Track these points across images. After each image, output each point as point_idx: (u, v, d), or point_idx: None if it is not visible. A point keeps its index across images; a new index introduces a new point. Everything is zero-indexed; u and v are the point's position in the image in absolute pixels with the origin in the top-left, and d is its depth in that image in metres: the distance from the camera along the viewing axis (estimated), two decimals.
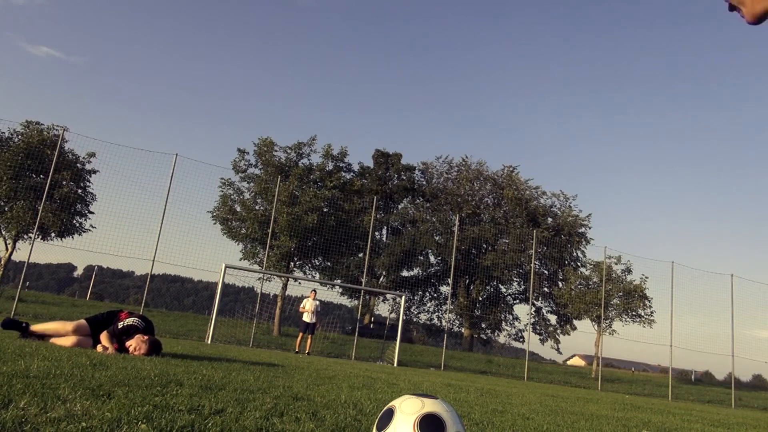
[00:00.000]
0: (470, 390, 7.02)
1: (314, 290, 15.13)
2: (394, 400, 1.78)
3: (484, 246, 30.04)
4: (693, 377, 40.59)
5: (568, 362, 56.85)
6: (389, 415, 1.70)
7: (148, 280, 14.71)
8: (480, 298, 30.98)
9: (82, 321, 5.44)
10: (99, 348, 5.09)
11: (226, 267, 14.67)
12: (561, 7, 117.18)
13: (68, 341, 5.28)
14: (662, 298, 21.59)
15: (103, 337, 5.15)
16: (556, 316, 30.21)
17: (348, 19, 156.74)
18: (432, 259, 31.10)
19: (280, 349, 15.17)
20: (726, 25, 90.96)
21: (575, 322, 28.20)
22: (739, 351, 18.99)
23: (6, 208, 19.04)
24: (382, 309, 35.60)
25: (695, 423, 6.14)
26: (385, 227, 31.17)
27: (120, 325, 5.21)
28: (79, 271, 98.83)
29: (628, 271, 24.70)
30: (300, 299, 16.20)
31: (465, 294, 29.98)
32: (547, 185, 47.82)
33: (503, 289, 31.46)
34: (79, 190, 20.13)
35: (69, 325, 5.38)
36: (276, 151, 26.16)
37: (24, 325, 5.58)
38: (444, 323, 28.03)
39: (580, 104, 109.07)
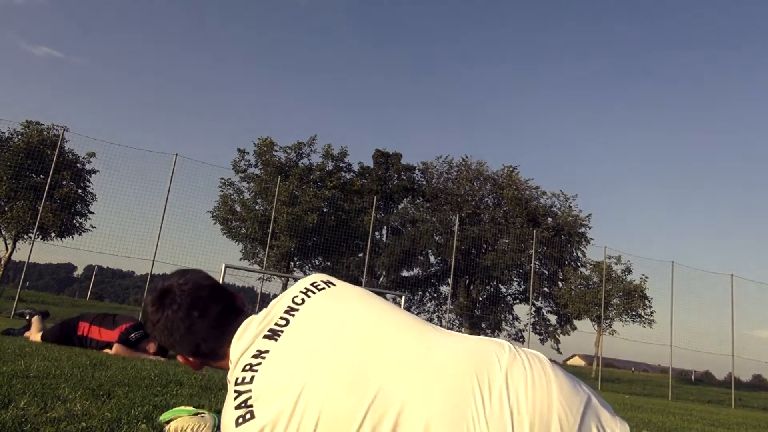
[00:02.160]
0: None
1: None
2: None
3: (484, 246, 30.02)
4: (693, 377, 40.61)
5: (568, 362, 56.88)
6: None
7: (148, 280, 14.67)
8: (480, 298, 30.98)
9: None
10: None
11: (226, 267, 14.65)
12: (561, 5, 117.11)
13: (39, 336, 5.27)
14: (662, 298, 21.56)
15: (122, 350, 4.98)
16: (556, 316, 30.20)
17: (348, 19, 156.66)
18: (432, 259, 31.09)
19: None
20: (728, 21, 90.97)
21: (575, 322, 28.19)
22: (739, 351, 18.97)
23: (6, 208, 19.04)
24: None
25: (695, 423, 6.14)
26: (385, 227, 31.17)
27: (133, 337, 5.09)
28: (79, 271, 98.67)
29: (628, 271, 24.72)
30: None
31: (465, 294, 29.99)
32: (547, 185, 47.80)
33: (503, 289, 31.45)
34: (79, 190, 20.13)
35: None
36: (276, 151, 26.20)
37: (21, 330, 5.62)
38: (444, 323, 28.02)
39: (581, 104, 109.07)
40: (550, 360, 1.08)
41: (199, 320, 1.16)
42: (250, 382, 1.02)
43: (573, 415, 0.96)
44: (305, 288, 1.18)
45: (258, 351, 1.07)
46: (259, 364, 1.04)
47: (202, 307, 1.17)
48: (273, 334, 1.09)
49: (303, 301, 1.14)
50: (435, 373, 0.98)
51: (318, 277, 1.22)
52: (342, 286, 1.19)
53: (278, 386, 0.99)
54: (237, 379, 1.04)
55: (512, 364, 1.01)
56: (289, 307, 1.14)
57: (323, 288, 1.18)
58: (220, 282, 1.24)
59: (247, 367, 1.05)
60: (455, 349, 1.03)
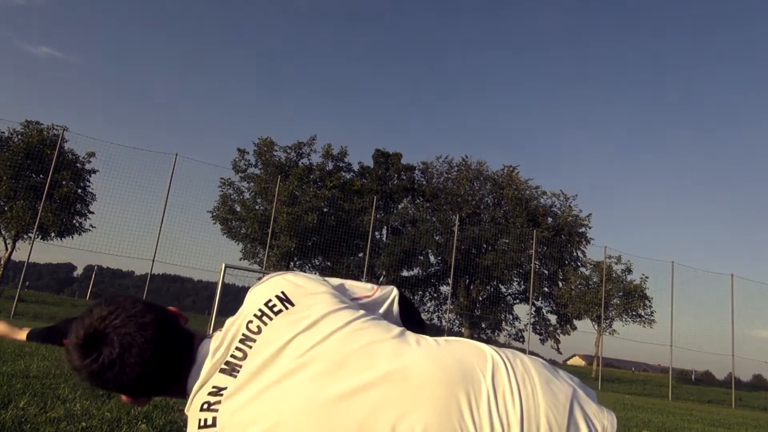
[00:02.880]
0: None
1: None
2: None
3: (484, 246, 30.02)
4: (693, 377, 40.61)
5: (569, 362, 56.88)
6: None
7: (148, 280, 14.69)
8: (480, 298, 30.98)
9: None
10: None
11: (226, 267, 14.65)
12: (562, 6, 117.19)
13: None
14: (662, 298, 21.59)
15: None
16: (556, 316, 30.21)
17: (348, 18, 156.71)
18: (432, 259, 31.07)
19: None
20: (733, 29, 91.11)
21: (575, 322, 28.19)
22: (739, 351, 18.99)
23: (6, 208, 19.04)
24: None
25: (695, 423, 6.14)
26: (385, 227, 31.17)
27: None
28: (78, 271, 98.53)
29: (628, 270, 24.72)
30: None
31: (465, 294, 29.99)
32: (547, 185, 47.84)
33: (503, 289, 31.46)
34: (79, 190, 20.13)
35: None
36: (276, 151, 26.21)
37: None
38: (444, 323, 28.05)
39: (580, 104, 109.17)
40: (529, 354, 1.06)
41: (150, 365, 1.00)
42: (213, 424, 0.96)
43: (560, 413, 0.96)
44: (260, 311, 1.06)
45: (216, 387, 0.99)
46: (218, 402, 0.97)
47: (152, 350, 1.00)
48: (231, 369, 1.00)
49: (259, 329, 1.03)
50: (419, 393, 0.94)
51: (272, 292, 1.08)
52: (301, 305, 1.06)
53: (246, 428, 0.93)
54: (200, 421, 0.97)
55: (495, 372, 0.99)
56: (244, 335, 1.03)
57: (280, 310, 1.06)
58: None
59: (206, 406, 0.98)
60: (437, 363, 0.98)
